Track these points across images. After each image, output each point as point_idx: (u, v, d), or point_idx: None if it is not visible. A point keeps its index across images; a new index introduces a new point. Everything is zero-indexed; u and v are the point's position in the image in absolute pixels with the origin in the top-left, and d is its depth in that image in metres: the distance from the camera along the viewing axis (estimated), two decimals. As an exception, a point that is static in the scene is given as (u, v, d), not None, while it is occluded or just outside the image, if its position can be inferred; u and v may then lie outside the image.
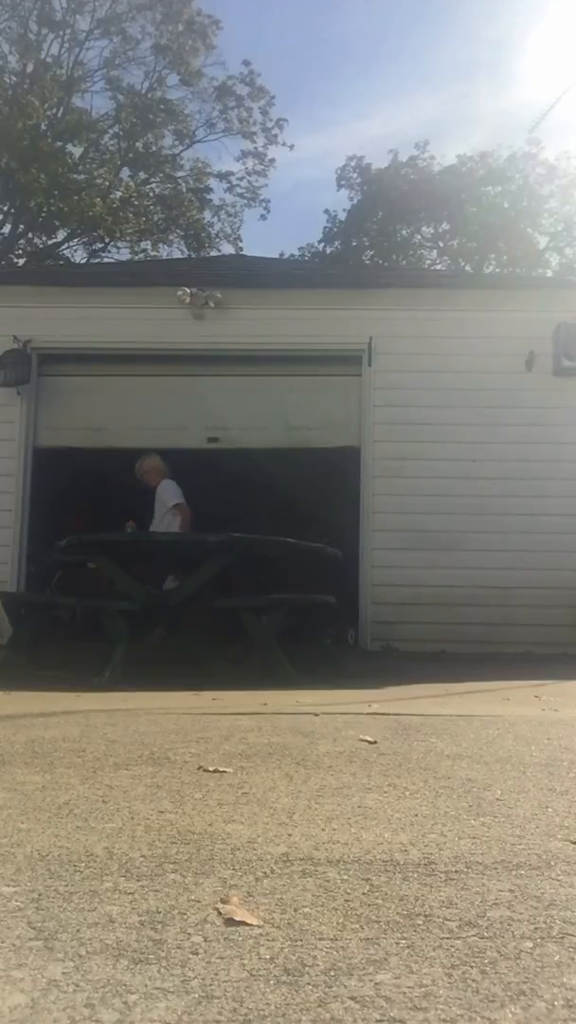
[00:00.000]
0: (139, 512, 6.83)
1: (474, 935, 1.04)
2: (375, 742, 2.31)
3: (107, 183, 21.66)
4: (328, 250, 25.25)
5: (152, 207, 23.04)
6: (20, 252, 21.52)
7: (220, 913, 1.10)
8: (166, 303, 7.11)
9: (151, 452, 6.40)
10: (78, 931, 1.05)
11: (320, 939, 1.03)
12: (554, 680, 4.57)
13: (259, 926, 1.06)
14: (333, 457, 7.19)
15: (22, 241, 21.78)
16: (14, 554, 6.97)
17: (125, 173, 22.64)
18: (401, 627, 6.71)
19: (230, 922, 1.07)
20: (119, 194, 21.83)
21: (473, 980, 0.92)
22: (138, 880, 1.23)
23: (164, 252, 22.74)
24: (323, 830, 1.48)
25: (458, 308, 7.20)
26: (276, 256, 21.13)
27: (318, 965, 0.96)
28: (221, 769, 1.94)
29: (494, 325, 7.04)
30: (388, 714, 2.92)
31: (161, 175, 23.12)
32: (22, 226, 21.49)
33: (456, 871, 1.28)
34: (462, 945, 1.01)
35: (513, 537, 6.80)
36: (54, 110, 20.75)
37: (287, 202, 41.53)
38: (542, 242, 24.89)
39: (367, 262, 23.75)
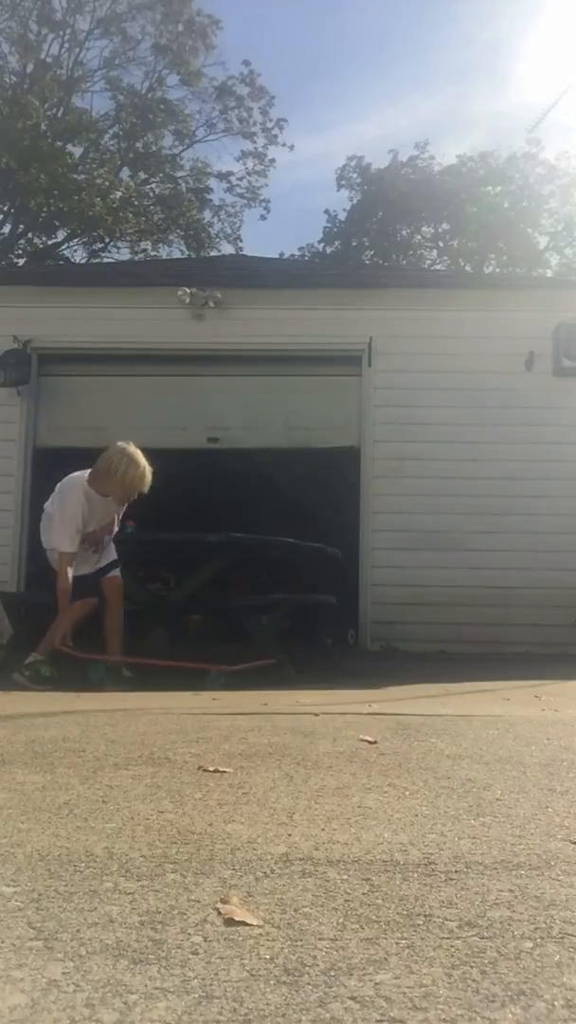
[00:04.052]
0: (139, 512, 6.82)
1: (474, 935, 1.04)
2: (375, 742, 2.31)
3: (107, 183, 21.65)
4: (328, 250, 25.26)
5: (152, 207, 23.05)
6: (20, 252, 21.52)
7: (220, 913, 1.10)
8: (166, 303, 7.11)
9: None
10: (78, 931, 1.05)
11: (320, 939, 1.03)
12: (554, 680, 4.56)
13: (259, 926, 1.06)
14: (333, 457, 7.19)
15: (22, 241, 21.78)
16: (14, 554, 6.97)
17: (125, 173, 22.65)
18: (401, 627, 6.71)
19: (230, 922, 1.07)
20: (119, 194, 21.83)
21: (473, 980, 0.92)
22: (138, 880, 1.23)
23: (164, 252, 22.77)
24: (323, 830, 1.48)
25: (458, 308, 7.19)
26: (276, 256, 21.15)
27: (318, 965, 0.96)
28: (221, 769, 1.94)
29: (494, 325, 7.04)
30: (388, 714, 2.92)
31: (161, 175, 23.14)
32: (22, 226, 21.50)
33: (456, 871, 1.28)
34: (462, 945, 1.01)
35: (513, 537, 6.80)
36: (54, 110, 20.76)
37: (287, 203, 41.58)
38: (542, 242, 24.92)
39: (367, 262, 23.75)
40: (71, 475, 4.60)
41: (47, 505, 4.67)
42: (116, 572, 4.67)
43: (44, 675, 4.34)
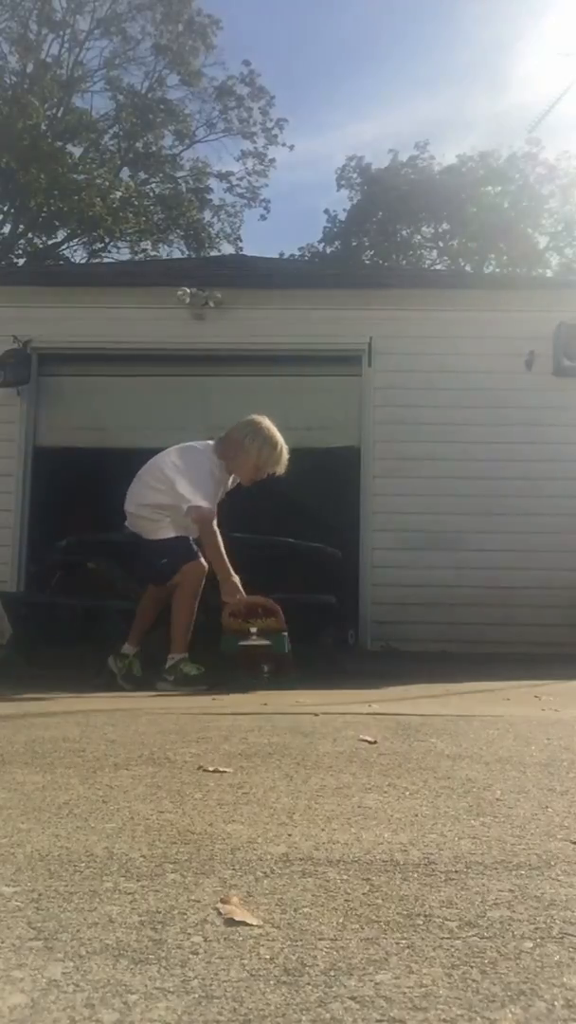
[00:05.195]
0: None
1: (474, 935, 1.04)
2: (375, 742, 2.31)
3: (107, 183, 21.67)
4: (328, 250, 25.28)
5: (152, 207, 23.07)
6: (20, 252, 21.54)
7: (220, 913, 1.10)
8: (166, 303, 7.11)
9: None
10: (78, 931, 1.05)
11: (320, 939, 1.03)
12: (554, 680, 4.56)
13: (259, 926, 1.06)
14: (333, 457, 7.18)
15: (22, 241, 21.80)
16: (14, 554, 6.97)
17: (125, 173, 22.68)
18: (401, 627, 6.71)
19: (230, 922, 1.07)
20: (119, 194, 21.85)
21: (473, 980, 0.92)
22: (138, 880, 1.23)
23: (164, 252, 22.80)
24: (323, 830, 1.48)
25: (458, 308, 7.19)
26: (276, 256, 21.16)
27: (318, 965, 0.95)
28: (221, 769, 1.94)
29: (494, 325, 7.04)
30: (388, 714, 2.92)
31: (161, 175, 23.17)
32: (22, 226, 21.51)
33: (456, 871, 1.28)
34: (462, 945, 1.01)
35: (513, 537, 6.80)
36: (54, 110, 20.79)
37: (286, 203, 41.64)
38: (542, 242, 24.95)
39: (367, 262, 23.76)
40: (190, 444, 4.26)
41: (144, 473, 4.29)
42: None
43: (192, 674, 3.96)
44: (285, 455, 4.17)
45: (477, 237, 24.00)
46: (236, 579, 3.99)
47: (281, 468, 4.18)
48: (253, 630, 3.98)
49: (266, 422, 4.19)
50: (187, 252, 22.68)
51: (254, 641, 3.94)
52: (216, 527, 4.01)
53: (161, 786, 1.79)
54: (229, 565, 4.00)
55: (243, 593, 4.00)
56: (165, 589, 4.22)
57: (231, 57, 32.22)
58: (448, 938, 1.03)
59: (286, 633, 4.02)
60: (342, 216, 25.52)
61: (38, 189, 19.18)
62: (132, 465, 6.58)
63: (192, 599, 4.07)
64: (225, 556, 4.00)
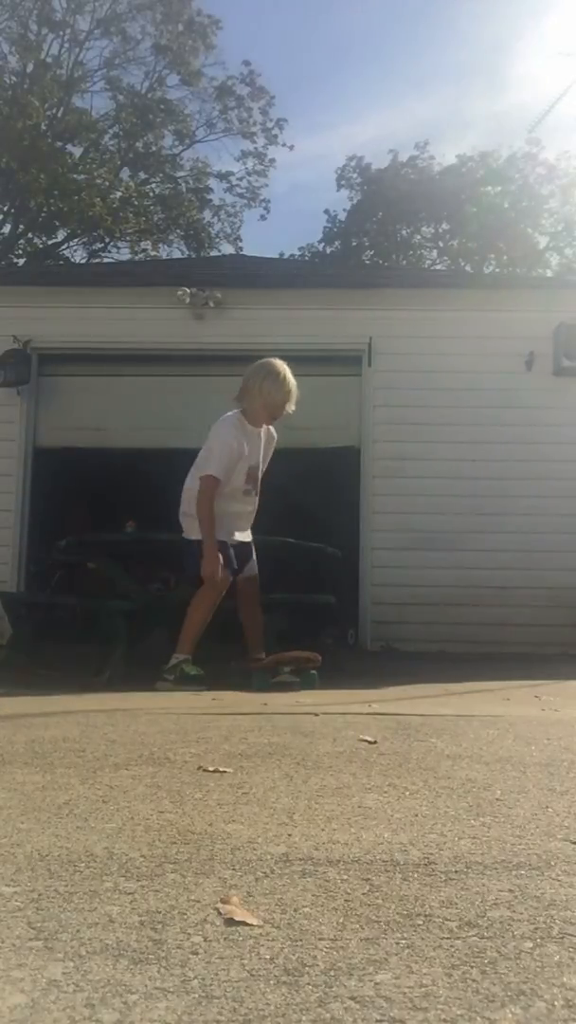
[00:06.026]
0: (139, 512, 6.82)
1: (474, 935, 1.04)
2: (375, 742, 2.31)
3: (107, 183, 21.66)
4: (328, 250, 25.28)
5: (152, 207, 23.06)
6: (20, 252, 21.53)
7: (220, 913, 1.10)
8: (166, 303, 7.11)
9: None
10: (78, 931, 1.05)
11: (320, 939, 1.03)
12: (554, 680, 4.57)
13: (259, 926, 1.06)
14: (333, 457, 7.18)
15: (22, 241, 21.78)
16: (14, 554, 6.96)
17: (125, 173, 22.66)
18: (401, 627, 6.71)
19: (230, 922, 1.07)
20: (119, 194, 21.84)
21: (473, 980, 0.92)
22: (138, 880, 1.23)
23: (164, 252, 22.77)
24: (323, 830, 1.48)
25: (458, 308, 7.19)
26: (276, 256, 21.15)
27: (318, 965, 0.95)
28: (221, 769, 1.94)
29: (494, 325, 7.04)
30: (388, 714, 2.92)
31: (161, 175, 23.14)
32: (22, 226, 21.50)
33: (456, 871, 1.28)
34: (462, 945, 1.01)
35: (513, 537, 6.79)
36: (54, 110, 20.76)
37: (286, 203, 41.68)
38: (542, 242, 24.95)
39: (367, 262, 23.76)
40: (223, 416, 4.31)
41: (193, 467, 4.29)
42: (254, 568, 4.40)
43: (191, 674, 4.02)
44: (291, 386, 4.14)
45: (477, 237, 23.99)
46: (219, 556, 4.01)
47: (292, 403, 4.16)
48: (286, 669, 4.09)
49: (272, 360, 4.21)
50: (187, 252, 22.66)
51: (285, 679, 4.06)
52: (212, 500, 4.02)
53: (161, 786, 1.79)
54: (214, 540, 4.01)
55: (221, 572, 4.03)
56: (251, 582, 4.32)
57: (231, 57, 32.30)
58: (448, 938, 1.04)
59: (315, 672, 4.11)
60: (342, 216, 25.53)
61: (38, 189, 19.18)
62: (132, 465, 6.59)
63: (210, 607, 4.13)
64: (212, 529, 4.01)
